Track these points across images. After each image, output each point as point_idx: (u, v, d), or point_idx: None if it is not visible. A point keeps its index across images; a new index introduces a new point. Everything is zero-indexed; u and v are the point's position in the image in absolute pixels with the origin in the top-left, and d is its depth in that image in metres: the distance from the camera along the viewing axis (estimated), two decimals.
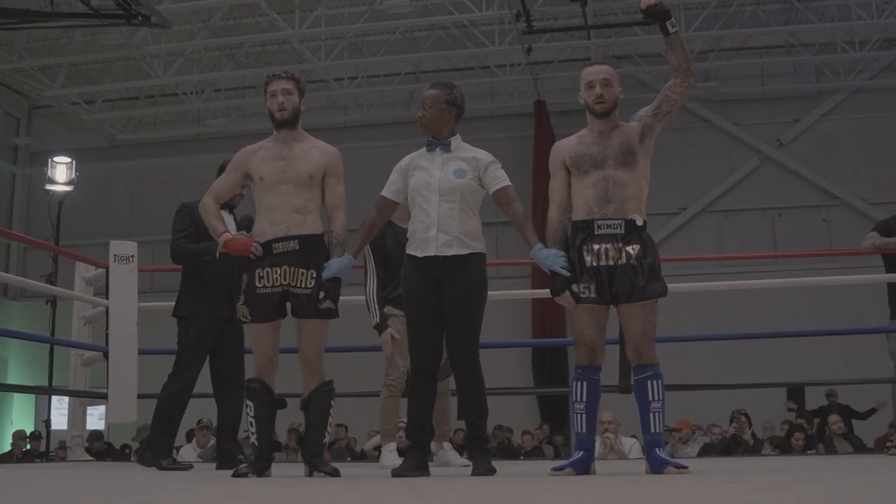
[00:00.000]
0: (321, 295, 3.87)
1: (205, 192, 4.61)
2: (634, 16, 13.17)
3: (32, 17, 12.08)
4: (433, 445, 5.35)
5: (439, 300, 3.97)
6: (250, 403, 3.95)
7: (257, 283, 3.92)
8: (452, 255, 3.94)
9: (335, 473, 3.78)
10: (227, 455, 5.12)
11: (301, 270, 3.90)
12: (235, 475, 3.80)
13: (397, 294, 5.25)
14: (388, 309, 5.28)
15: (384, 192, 4.15)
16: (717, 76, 15.35)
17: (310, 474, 3.84)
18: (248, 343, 4.15)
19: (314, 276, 3.90)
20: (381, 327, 5.19)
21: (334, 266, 3.90)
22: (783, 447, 8.57)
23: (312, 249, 3.93)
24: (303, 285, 3.90)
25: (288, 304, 3.97)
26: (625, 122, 3.84)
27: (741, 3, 13.77)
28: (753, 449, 8.68)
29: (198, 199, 5.12)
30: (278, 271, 3.90)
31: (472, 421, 4.07)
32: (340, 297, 3.94)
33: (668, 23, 3.74)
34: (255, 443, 3.94)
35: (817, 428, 10.12)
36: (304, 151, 4.03)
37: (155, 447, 4.92)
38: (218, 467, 5.15)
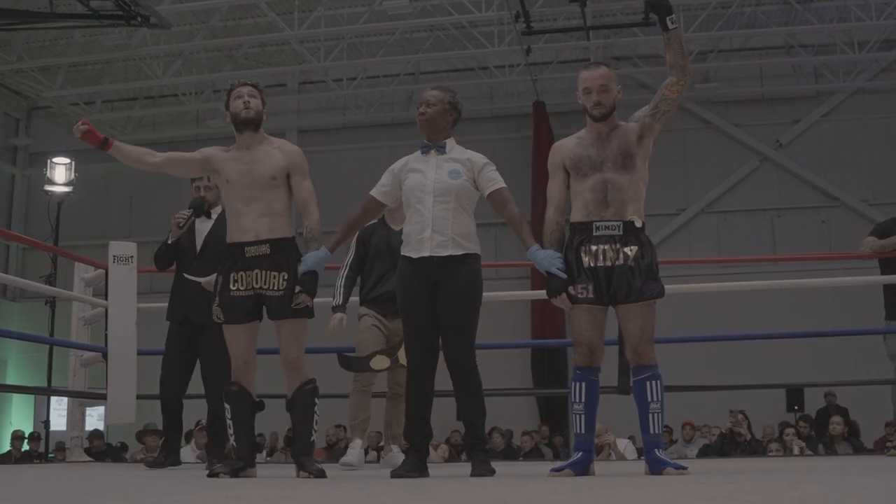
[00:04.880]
0: (297, 289, 3.87)
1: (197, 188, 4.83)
2: (633, 17, 13.17)
3: (32, 17, 12.06)
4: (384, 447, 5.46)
5: (434, 301, 3.98)
6: (228, 406, 3.98)
7: (231, 286, 3.95)
8: (447, 256, 3.94)
9: (321, 474, 3.79)
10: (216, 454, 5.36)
11: (273, 273, 3.92)
12: (210, 475, 3.82)
13: (375, 295, 5.32)
14: (363, 309, 5.42)
15: (372, 192, 4.16)
16: (716, 77, 15.36)
17: (297, 474, 3.86)
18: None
19: (286, 278, 3.91)
20: (337, 309, 5.33)
21: (310, 260, 3.90)
22: (786, 447, 8.57)
23: (283, 253, 3.95)
24: (275, 288, 3.91)
25: (265, 308, 3.99)
26: (624, 123, 3.84)
27: (740, 4, 13.77)
28: (752, 448, 8.67)
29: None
30: (251, 275, 3.93)
31: (470, 422, 4.07)
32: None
33: (668, 18, 3.73)
34: (234, 444, 3.96)
35: (817, 429, 10.11)
36: (265, 154, 4.03)
37: (162, 446, 5.43)
38: (207, 466, 5.29)
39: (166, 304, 5.46)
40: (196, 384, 5.45)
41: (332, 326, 5.21)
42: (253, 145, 4.05)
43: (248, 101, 4.04)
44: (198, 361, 5.37)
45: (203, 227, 5.33)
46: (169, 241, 5.29)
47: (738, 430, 8.74)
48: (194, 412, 7.03)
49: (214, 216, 5.35)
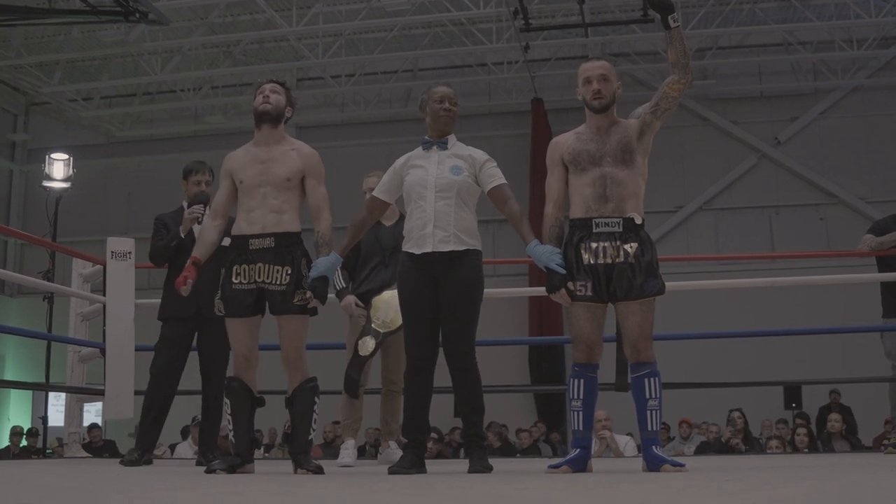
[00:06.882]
0: (308, 294, 3.88)
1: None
2: (632, 13, 13.16)
3: (30, 13, 12.05)
4: (382, 444, 5.46)
5: (436, 297, 3.98)
6: (227, 401, 3.98)
7: (234, 279, 3.95)
8: (449, 252, 3.95)
9: (318, 471, 3.79)
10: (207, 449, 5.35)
11: (276, 267, 3.91)
12: (207, 471, 3.82)
13: (363, 291, 5.32)
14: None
15: (375, 193, 4.20)
16: (714, 74, 15.35)
17: (295, 471, 3.86)
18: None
19: (289, 272, 3.91)
20: (342, 293, 5.35)
21: (321, 265, 3.90)
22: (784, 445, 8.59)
23: (287, 247, 3.94)
24: (277, 282, 3.91)
25: (267, 303, 3.99)
26: (623, 119, 3.84)
27: (739, 1, 13.76)
28: (750, 447, 8.69)
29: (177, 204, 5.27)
30: (254, 268, 3.93)
31: (469, 418, 4.07)
32: (329, 295, 3.95)
33: (670, 17, 3.73)
34: (233, 440, 3.97)
35: (818, 427, 10.13)
36: (282, 154, 4.04)
37: (140, 441, 5.20)
38: (197, 463, 5.34)
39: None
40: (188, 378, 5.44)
41: (349, 309, 5.29)
42: (271, 143, 4.06)
43: (269, 96, 4.07)
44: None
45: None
46: (182, 236, 5.21)
47: (734, 441, 8.80)
48: (191, 408, 7.03)
49: (208, 211, 5.33)
